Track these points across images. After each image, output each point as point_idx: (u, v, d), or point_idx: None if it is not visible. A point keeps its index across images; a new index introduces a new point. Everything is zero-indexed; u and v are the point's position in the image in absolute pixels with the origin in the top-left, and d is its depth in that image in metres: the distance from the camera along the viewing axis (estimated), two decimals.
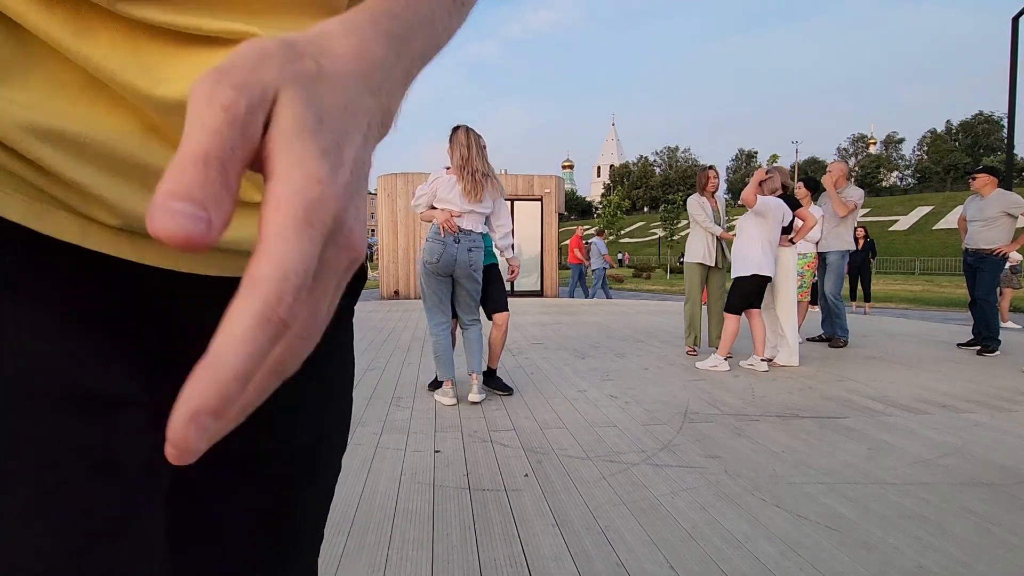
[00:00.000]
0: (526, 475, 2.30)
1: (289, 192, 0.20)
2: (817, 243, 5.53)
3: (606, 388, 3.81)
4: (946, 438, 2.78)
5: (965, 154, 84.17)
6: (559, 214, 14.36)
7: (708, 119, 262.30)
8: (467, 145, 3.25)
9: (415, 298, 12.34)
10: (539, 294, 13.92)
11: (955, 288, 17.96)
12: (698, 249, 4.96)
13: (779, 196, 4.64)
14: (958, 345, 5.63)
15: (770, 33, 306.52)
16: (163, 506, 0.35)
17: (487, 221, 3.43)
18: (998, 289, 5.49)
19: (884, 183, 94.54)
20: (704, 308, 5.18)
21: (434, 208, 3.30)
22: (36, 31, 0.27)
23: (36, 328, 0.29)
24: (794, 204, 4.78)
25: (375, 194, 14.80)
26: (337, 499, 2.03)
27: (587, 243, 13.41)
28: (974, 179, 5.42)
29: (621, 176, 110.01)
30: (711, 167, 5.11)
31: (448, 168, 3.33)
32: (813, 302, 5.81)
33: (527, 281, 14.01)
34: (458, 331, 3.76)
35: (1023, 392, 3.76)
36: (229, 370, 0.18)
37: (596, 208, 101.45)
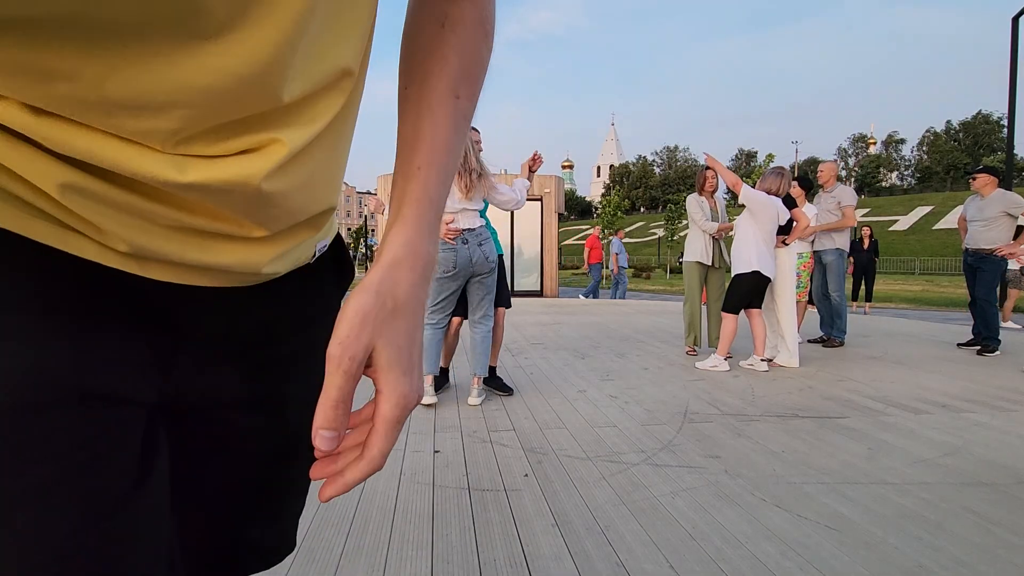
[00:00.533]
0: (526, 475, 2.30)
1: (388, 408, 0.39)
2: (812, 242, 5.54)
3: (606, 388, 3.81)
4: (946, 438, 2.77)
5: (965, 154, 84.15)
6: (559, 214, 14.36)
7: (708, 119, 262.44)
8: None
9: None
10: (539, 294, 13.92)
11: (955, 288, 17.96)
12: (696, 248, 4.96)
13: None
14: (958, 345, 5.63)
15: (770, 33, 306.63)
16: (165, 478, 0.40)
17: (480, 213, 3.44)
18: (998, 290, 5.47)
19: (884, 183, 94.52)
20: (704, 308, 5.18)
21: None
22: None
23: (48, 332, 0.33)
24: (790, 204, 4.77)
25: (375, 194, 14.84)
26: (336, 499, 2.03)
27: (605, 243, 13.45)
28: (974, 179, 5.42)
29: (621, 176, 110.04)
30: (711, 168, 5.12)
31: None
32: (811, 302, 5.81)
33: (527, 281, 14.02)
34: (463, 330, 3.74)
35: (1023, 392, 3.76)
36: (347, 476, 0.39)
37: (596, 208, 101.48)
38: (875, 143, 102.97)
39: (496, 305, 3.58)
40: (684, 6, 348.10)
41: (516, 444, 2.68)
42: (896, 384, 3.96)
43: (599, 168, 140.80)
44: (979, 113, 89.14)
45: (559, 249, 15.85)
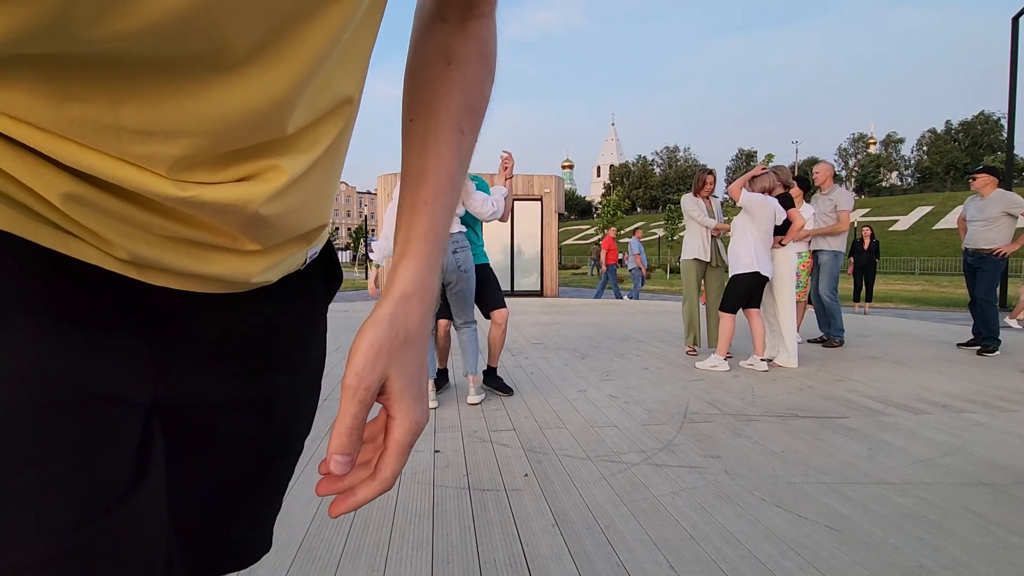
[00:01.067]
0: (526, 475, 2.30)
1: (400, 433, 0.41)
2: (809, 242, 5.54)
3: (606, 388, 3.81)
4: (946, 438, 2.78)
5: (965, 154, 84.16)
6: (559, 214, 14.36)
7: (708, 119, 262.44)
8: None
9: None
10: (539, 294, 13.92)
11: (955, 288, 17.96)
12: (694, 246, 4.97)
13: (777, 196, 4.64)
14: (958, 345, 5.63)
15: (770, 33, 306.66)
16: (161, 476, 0.41)
17: (474, 223, 3.43)
18: (998, 290, 5.47)
19: (884, 183, 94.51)
20: (703, 307, 5.18)
21: None
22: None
23: (50, 333, 0.34)
24: (788, 204, 4.77)
25: (375, 194, 14.82)
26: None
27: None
28: (974, 179, 5.42)
29: (621, 176, 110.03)
30: (710, 172, 5.14)
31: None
32: (810, 301, 5.81)
33: (527, 281, 14.02)
34: (453, 333, 3.75)
35: (1023, 392, 3.76)
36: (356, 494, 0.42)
37: (596, 208, 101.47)
38: (875, 143, 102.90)
39: (492, 308, 3.58)
40: (684, 6, 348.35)
41: (516, 444, 2.68)
42: (896, 384, 3.96)
43: (599, 168, 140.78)
44: (980, 113, 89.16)
45: (559, 249, 15.83)
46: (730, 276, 4.58)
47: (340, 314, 8.64)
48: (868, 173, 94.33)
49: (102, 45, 0.26)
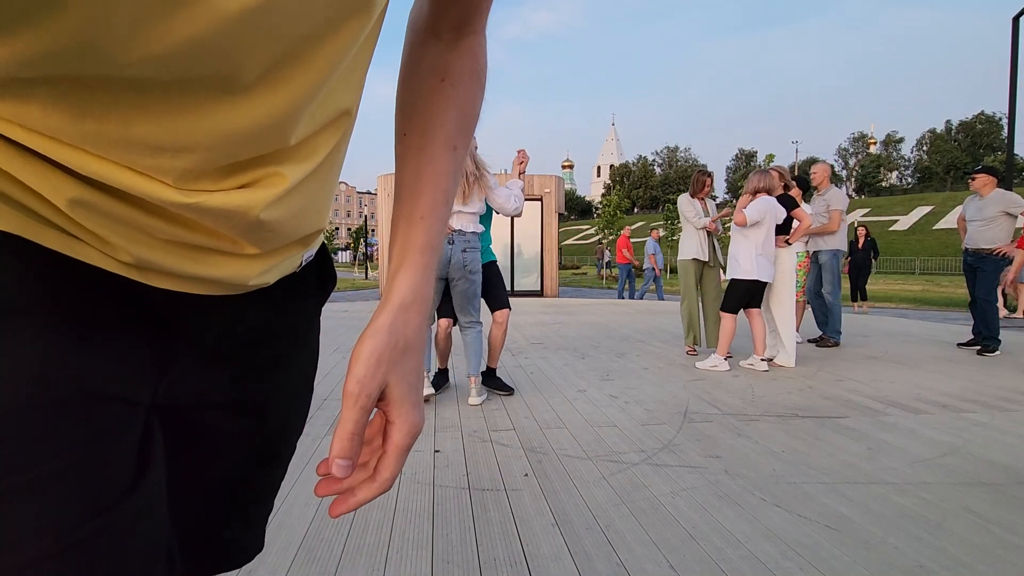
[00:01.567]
0: (526, 475, 2.30)
1: (400, 437, 0.43)
2: (807, 242, 5.55)
3: (606, 388, 3.81)
4: (946, 438, 2.78)
5: (965, 154, 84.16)
6: (559, 214, 14.36)
7: (708, 119, 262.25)
8: None
9: None
10: (539, 294, 13.92)
11: (955, 288, 17.96)
12: (692, 246, 4.97)
13: (776, 196, 4.64)
14: (958, 345, 5.63)
15: (770, 33, 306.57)
16: (161, 474, 0.42)
17: (482, 220, 3.43)
18: (999, 289, 5.47)
19: (884, 183, 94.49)
20: (700, 307, 5.19)
21: None
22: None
23: (54, 332, 0.34)
24: (791, 204, 4.78)
25: (375, 194, 14.84)
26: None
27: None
28: (973, 179, 5.43)
29: (621, 176, 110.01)
30: (709, 174, 5.16)
31: None
32: (807, 301, 5.83)
33: (527, 281, 14.02)
34: (455, 332, 3.75)
35: (1023, 392, 3.76)
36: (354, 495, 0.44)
37: (596, 208, 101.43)
38: (875, 143, 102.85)
39: (496, 308, 3.58)
40: (684, 6, 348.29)
41: (516, 444, 2.68)
42: (896, 384, 3.96)
43: (599, 168, 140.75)
44: (980, 113, 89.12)
45: (559, 249, 15.83)
46: (730, 278, 4.58)
47: (340, 314, 8.63)
48: (868, 173, 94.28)
49: (121, 70, 0.27)
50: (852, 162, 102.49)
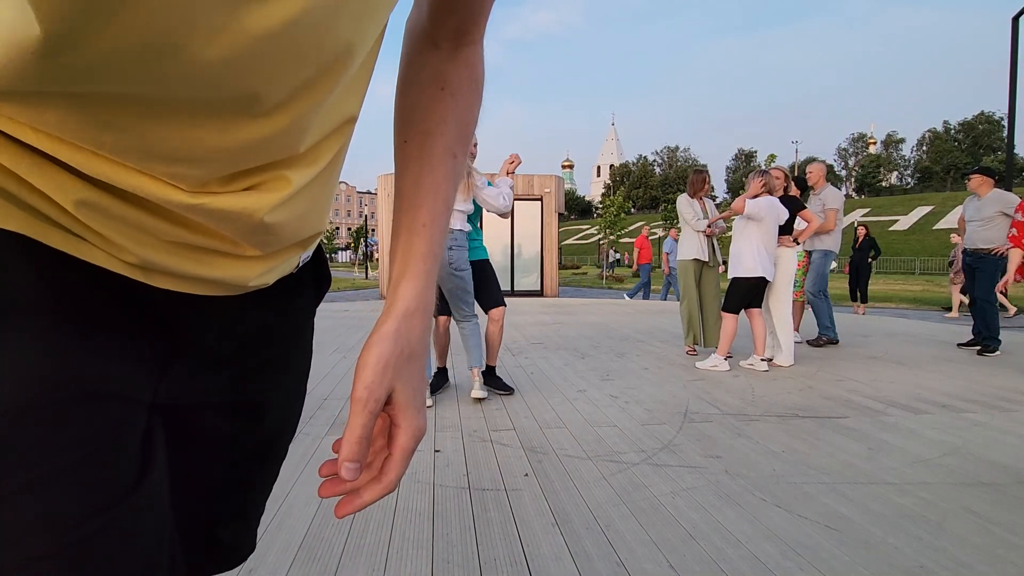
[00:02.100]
0: (526, 475, 2.30)
1: (405, 440, 0.45)
2: (804, 242, 5.55)
3: (606, 388, 3.81)
4: (946, 438, 2.78)
5: (965, 154, 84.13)
6: (559, 214, 14.36)
7: (708, 119, 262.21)
8: None
9: None
10: (539, 294, 13.92)
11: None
12: (692, 246, 4.97)
13: (779, 197, 4.65)
14: (958, 345, 5.63)
15: (770, 33, 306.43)
16: (163, 473, 0.43)
17: (470, 219, 3.44)
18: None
19: (884, 183, 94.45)
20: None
21: None
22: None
23: (59, 331, 0.34)
24: (795, 204, 4.78)
25: (375, 193, 14.84)
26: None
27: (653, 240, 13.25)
28: (970, 180, 5.46)
29: (621, 176, 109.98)
30: (707, 174, 5.17)
31: None
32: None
33: (527, 281, 14.01)
34: (453, 329, 3.75)
35: (1023, 392, 3.76)
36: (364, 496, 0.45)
37: (596, 208, 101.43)
38: (875, 143, 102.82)
39: (490, 306, 3.59)
40: (684, 7, 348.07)
41: (516, 443, 2.69)
42: (896, 384, 3.96)
43: (599, 168, 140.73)
44: (981, 113, 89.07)
45: (559, 249, 15.83)
46: (731, 278, 4.58)
47: (340, 314, 8.63)
48: (868, 173, 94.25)
49: (152, 89, 0.27)
50: (852, 162, 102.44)
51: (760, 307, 4.56)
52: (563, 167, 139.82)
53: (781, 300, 4.67)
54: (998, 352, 5.18)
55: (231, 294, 0.44)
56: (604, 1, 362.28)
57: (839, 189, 5.70)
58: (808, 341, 5.72)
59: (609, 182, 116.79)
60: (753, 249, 4.42)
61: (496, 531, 1.83)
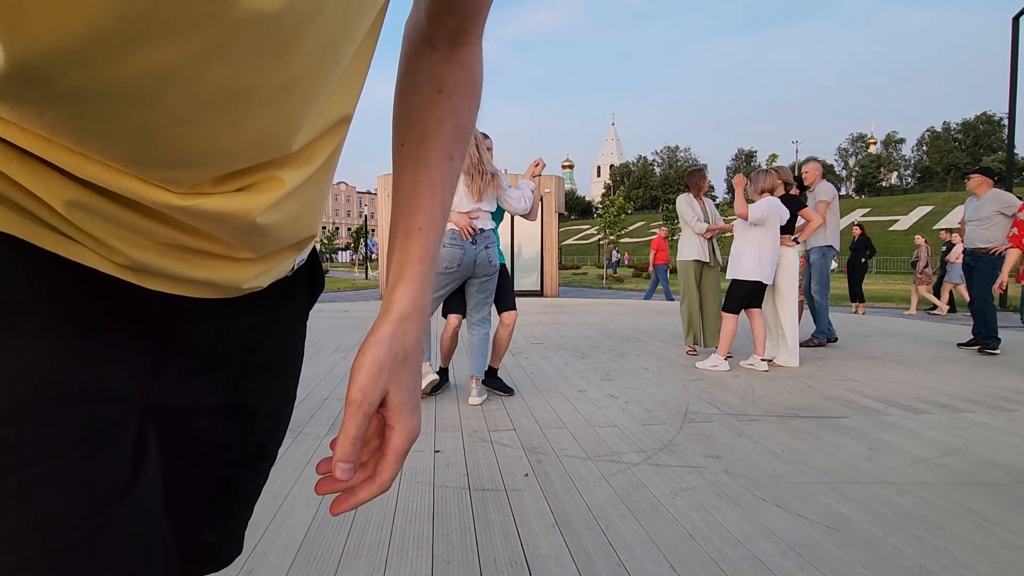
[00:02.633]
0: (526, 475, 2.30)
1: (399, 441, 0.45)
2: (805, 241, 5.55)
3: (606, 388, 3.81)
4: (946, 438, 2.78)
5: (965, 154, 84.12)
6: (559, 214, 14.36)
7: (708, 119, 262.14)
8: (475, 146, 3.29)
9: None
10: (539, 294, 13.92)
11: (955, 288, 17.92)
12: (692, 246, 4.97)
13: (780, 196, 4.65)
14: (958, 345, 5.64)
15: (770, 33, 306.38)
16: (157, 473, 0.43)
17: (495, 215, 3.46)
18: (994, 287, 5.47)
19: (884, 183, 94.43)
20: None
21: None
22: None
23: (53, 333, 0.34)
24: (796, 203, 4.78)
25: (375, 194, 14.84)
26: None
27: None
28: (969, 180, 5.48)
29: (622, 176, 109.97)
30: (705, 173, 5.17)
31: None
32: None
33: (527, 281, 14.01)
34: (462, 330, 3.74)
35: (1023, 392, 3.76)
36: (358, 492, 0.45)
37: (596, 208, 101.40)
38: (875, 143, 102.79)
39: (503, 309, 3.59)
40: (683, 7, 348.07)
41: (516, 444, 2.69)
42: (896, 384, 3.96)
43: (599, 168, 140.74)
44: (983, 114, 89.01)
45: (559, 249, 15.84)
46: (732, 279, 4.58)
47: (340, 314, 8.63)
48: (868, 173, 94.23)
49: (123, 101, 0.27)
50: (852, 162, 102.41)
51: (760, 307, 4.56)
52: (563, 167, 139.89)
53: (786, 300, 4.66)
54: (999, 351, 5.19)
55: (225, 296, 0.44)
56: (604, 1, 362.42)
57: (837, 188, 5.70)
58: (800, 342, 5.72)
59: (609, 182, 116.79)
60: (754, 252, 4.42)
61: (496, 531, 1.83)
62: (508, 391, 3.62)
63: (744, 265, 4.45)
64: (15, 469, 0.32)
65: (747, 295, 4.48)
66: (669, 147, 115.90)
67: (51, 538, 0.33)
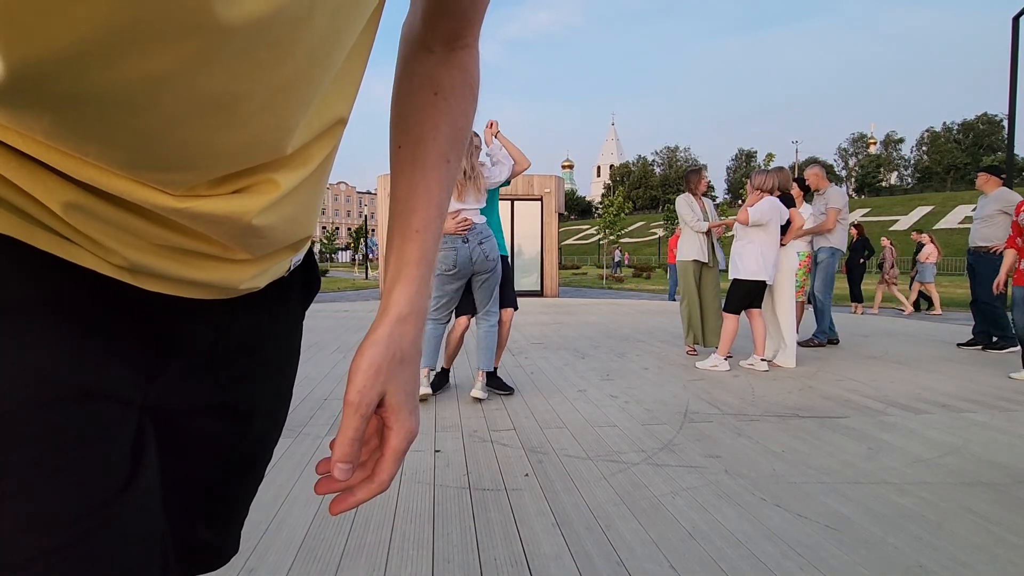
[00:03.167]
0: (526, 475, 2.30)
1: (397, 442, 0.46)
2: (810, 241, 5.55)
3: (606, 388, 3.81)
4: (946, 438, 2.78)
5: (965, 154, 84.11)
6: (559, 214, 14.36)
7: (708, 119, 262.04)
8: None
9: None
10: (539, 294, 13.93)
11: (955, 288, 17.95)
12: (691, 247, 4.97)
13: (779, 196, 4.64)
14: (958, 345, 5.63)
15: (770, 33, 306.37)
16: (155, 473, 0.42)
17: (483, 211, 3.45)
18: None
19: (884, 183, 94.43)
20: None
21: None
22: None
23: (51, 333, 0.34)
24: (788, 203, 4.77)
25: (375, 194, 14.84)
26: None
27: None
28: (977, 177, 5.48)
29: (621, 176, 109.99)
30: (703, 172, 5.17)
31: None
32: (810, 301, 5.82)
33: (527, 281, 14.01)
34: (471, 328, 3.72)
35: (1023, 392, 3.76)
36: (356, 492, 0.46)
37: (596, 208, 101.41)
38: (875, 143, 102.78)
39: (503, 306, 3.57)
40: (683, 7, 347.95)
41: (516, 443, 2.69)
42: (896, 384, 3.96)
43: (599, 168, 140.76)
44: (984, 114, 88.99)
45: (559, 249, 15.84)
46: (732, 280, 4.58)
47: (341, 314, 8.63)
48: (868, 173, 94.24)
49: (118, 107, 0.27)
50: (852, 162, 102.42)
51: (760, 307, 4.56)
52: (563, 167, 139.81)
53: (785, 300, 4.66)
54: (1009, 349, 5.18)
55: (222, 297, 0.44)
56: (604, 1, 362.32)
57: (840, 188, 5.70)
58: (799, 342, 5.73)
59: (609, 182, 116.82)
60: (756, 251, 4.42)
61: (496, 531, 1.83)
62: (508, 391, 3.62)
63: (747, 265, 4.45)
64: (14, 469, 0.32)
65: (748, 295, 4.48)
66: (669, 147, 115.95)
67: (50, 537, 0.33)
